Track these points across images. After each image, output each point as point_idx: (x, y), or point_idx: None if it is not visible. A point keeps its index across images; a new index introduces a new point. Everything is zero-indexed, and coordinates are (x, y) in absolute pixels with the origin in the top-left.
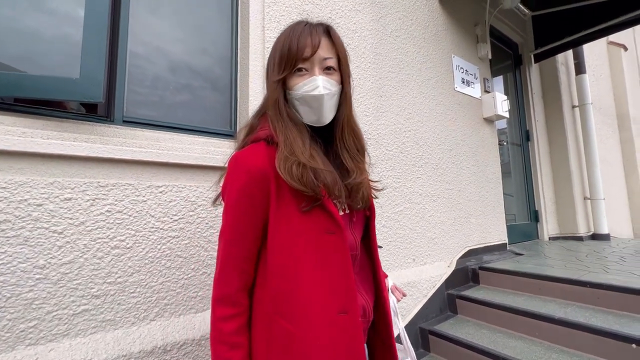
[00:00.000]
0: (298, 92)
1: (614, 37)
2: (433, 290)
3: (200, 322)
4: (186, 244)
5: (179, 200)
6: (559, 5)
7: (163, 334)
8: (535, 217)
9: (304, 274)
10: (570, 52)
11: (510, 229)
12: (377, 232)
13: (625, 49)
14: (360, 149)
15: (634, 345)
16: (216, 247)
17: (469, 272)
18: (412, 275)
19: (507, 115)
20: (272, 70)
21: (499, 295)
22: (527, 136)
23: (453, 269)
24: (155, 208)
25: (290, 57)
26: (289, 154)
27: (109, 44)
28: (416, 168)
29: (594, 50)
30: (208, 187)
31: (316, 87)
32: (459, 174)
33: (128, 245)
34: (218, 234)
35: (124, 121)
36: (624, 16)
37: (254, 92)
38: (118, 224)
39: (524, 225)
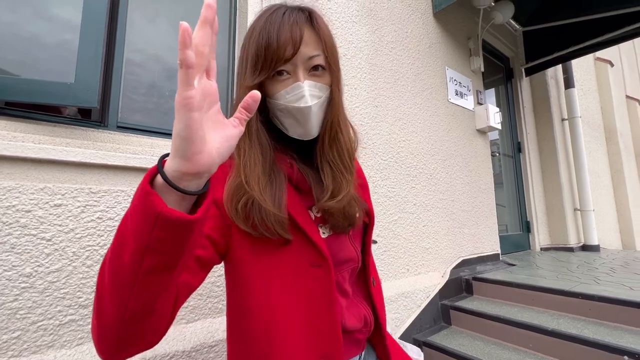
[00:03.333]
0: (279, 101)
1: (601, 53)
2: (427, 301)
3: (191, 333)
4: None
5: None
6: (548, 22)
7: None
8: (527, 227)
9: (284, 315)
10: (559, 67)
11: (503, 240)
12: (377, 244)
13: (612, 64)
14: (346, 162)
15: (625, 357)
16: None
17: (462, 282)
18: (406, 285)
19: (499, 127)
20: (244, 72)
21: (492, 306)
22: (518, 148)
23: (447, 279)
24: None
25: (267, 57)
26: (243, 182)
27: (105, 50)
28: (410, 178)
29: (582, 66)
30: None
31: (301, 97)
32: (453, 184)
33: None
34: None
35: (118, 126)
36: (610, 34)
37: None
38: (109, 231)
39: (516, 235)
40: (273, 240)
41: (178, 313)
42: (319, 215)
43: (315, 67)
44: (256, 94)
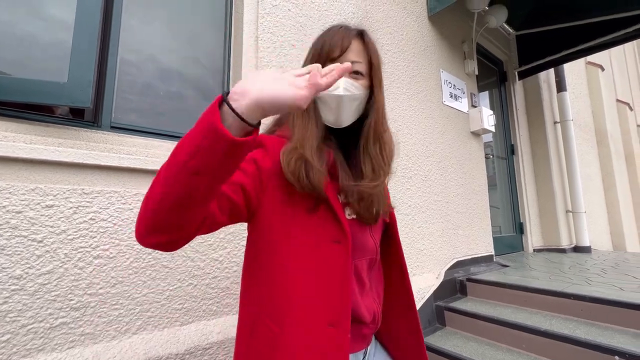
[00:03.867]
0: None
1: (592, 57)
2: (422, 302)
3: (184, 336)
4: (172, 254)
5: None
6: (541, 26)
7: (145, 348)
8: (520, 229)
9: (301, 280)
10: (552, 71)
11: (497, 241)
12: None
13: (602, 69)
14: (385, 156)
15: (616, 357)
16: (203, 258)
17: (456, 283)
18: None
19: (493, 129)
20: (306, 62)
21: (486, 307)
22: (512, 150)
23: (441, 280)
24: None
25: (320, 55)
26: (298, 146)
27: (99, 50)
28: (405, 179)
29: (574, 70)
30: None
31: (337, 87)
32: (447, 186)
33: (111, 255)
34: (205, 244)
35: (111, 127)
36: (601, 39)
37: None
38: (102, 232)
39: (510, 237)
40: (302, 209)
41: (172, 315)
42: (344, 200)
43: (356, 72)
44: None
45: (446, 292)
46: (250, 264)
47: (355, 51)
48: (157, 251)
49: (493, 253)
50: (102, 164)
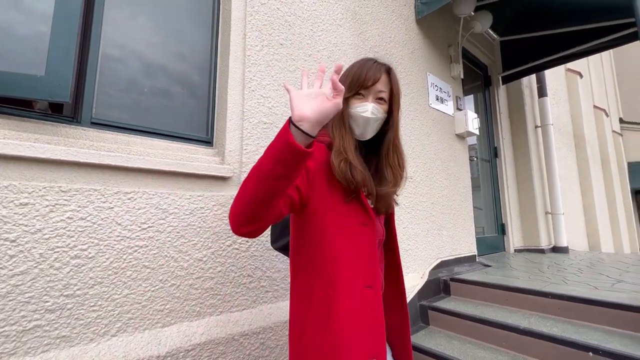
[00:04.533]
0: (352, 110)
1: (571, 65)
2: (406, 302)
3: (166, 338)
4: (155, 254)
5: (148, 208)
6: (523, 33)
7: (125, 350)
8: (502, 230)
9: (343, 254)
10: (534, 76)
11: (479, 241)
12: None
13: (581, 76)
14: (401, 166)
15: (590, 354)
16: (187, 258)
17: (440, 283)
18: None
19: (477, 132)
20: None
21: (469, 306)
22: (495, 153)
23: (426, 280)
24: (122, 215)
25: (357, 83)
26: (342, 151)
27: (79, 43)
28: None
29: (554, 76)
30: (181, 195)
31: (366, 110)
32: (432, 187)
33: (90, 255)
34: (189, 243)
35: (92, 123)
36: (579, 47)
37: (233, 99)
38: (80, 232)
39: (492, 237)
40: (340, 200)
41: (153, 316)
42: (367, 194)
43: (380, 98)
44: (340, 65)
45: (430, 292)
46: (301, 248)
47: (382, 82)
48: (138, 251)
49: (476, 253)
50: (82, 160)
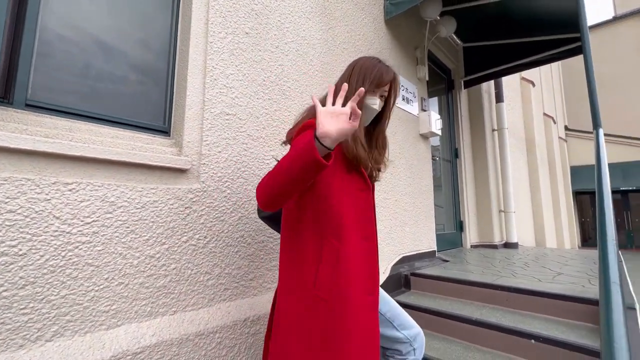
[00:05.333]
0: (366, 101)
1: (525, 74)
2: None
3: (111, 340)
4: (100, 250)
5: (93, 200)
6: (484, 41)
7: (61, 356)
8: (460, 227)
9: (346, 213)
10: (492, 82)
11: (439, 238)
12: None
13: (534, 84)
14: (386, 148)
15: (532, 341)
16: (137, 255)
17: (401, 278)
18: None
19: (439, 133)
20: (357, 81)
21: (427, 300)
22: (455, 153)
23: (388, 275)
24: (61, 208)
25: (375, 83)
26: (358, 135)
27: (11, 16)
28: None
29: (510, 83)
30: (132, 187)
31: (375, 103)
32: (396, 185)
33: (21, 252)
34: (140, 239)
35: (27, 105)
36: (533, 57)
37: (193, 87)
38: (8, 226)
39: (451, 234)
40: (343, 170)
41: (96, 318)
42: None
43: (382, 95)
44: (362, 91)
45: (392, 287)
46: (309, 205)
47: (388, 85)
48: (81, 247)
49: (436, 249)
50: (12, 146)
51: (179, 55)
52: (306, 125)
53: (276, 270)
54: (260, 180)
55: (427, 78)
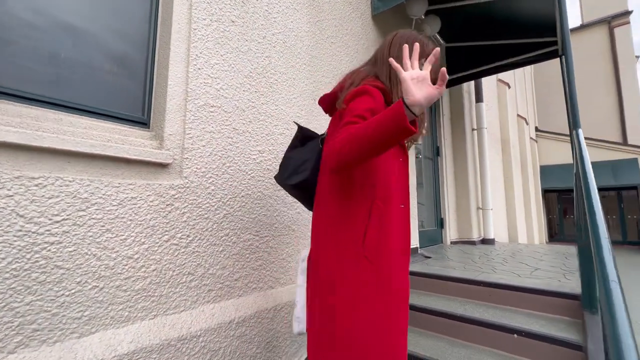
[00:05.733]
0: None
1: (502, 76)
2: None
3: (84, 349)
4: (71, 251)
5: (63, 197)
6: (466, 41)
7: None
8: (440, 223)
9: (393, 178)
10: (472, 83)
11: (421, 234)
12: (309, 238)
13: (509, 87)
14: (425, 121)
15: (515, 335)
16: (113, 256)
17: None
18: None
19: (423, 131)
20: (399, 51)
21: (412, 297)
22: (437, 152)
23: None
24: (26, 206)
25: (424, 52)
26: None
27: None
28: None
29: (488, 85)
30: (108, 183)
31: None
32: None
33: None
34: (117, 239)
35: None
36: (511, 59)
37: (175, 77)
38: None
39: (432, 231)
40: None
41: (67, 326)
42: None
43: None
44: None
45: None
46: (360, 172)
47: None
48: (49, 249)
49: (418, 246)
50: None
51: (159, 42)
52: (362, 90)
53: (262, 269)
54: (335, 143)
55: None
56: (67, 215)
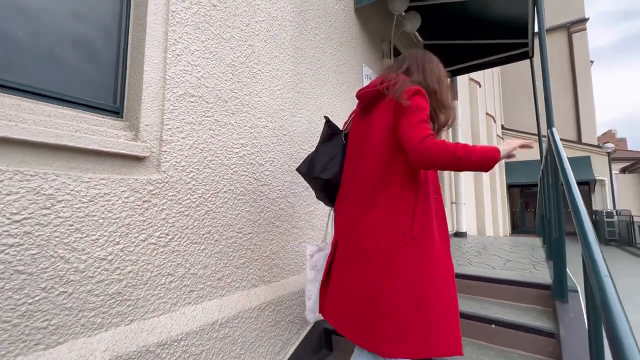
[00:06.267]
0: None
1: (473, 75)
2: None
3: None
4: (34, 254)
5: (24, 193)
6: (442, 40)
7: None
8: None
9: (432, 178)
10: (448, 80)
11: None
12: (293, 235)
13: (480, 85)
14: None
15: (493, 325)
16: (84, 258)
17: None
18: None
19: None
20: (445, 89)
21: None
22: None
23: None
24: None
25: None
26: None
27: None
28: None
29: (461, 83)
30: (76, 177)
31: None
32: None
33: None
34: (88, 239)
35: None
36: (484, 59)
37: (151, 62)
38: None
39: None
40: None
41: (31, 337)
42: None
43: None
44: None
45: None
46: (412, 172)
47: None
48: (8, 252)
49: None
50: None
51: (133, 23)
52: (419, 90)
53: (245, 267)
54: (441, 145)
55: None
56: (29, 214)
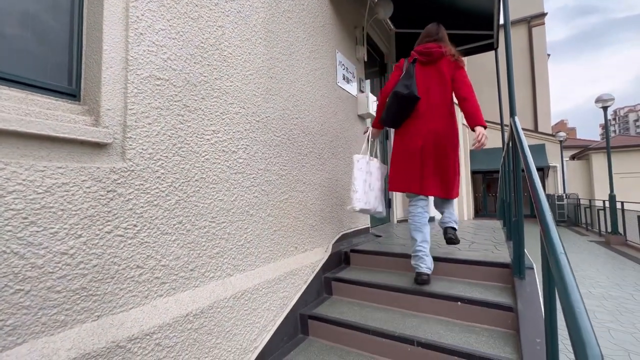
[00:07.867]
0: None
1: None
2: (312, 276)
3: None
4: None
5: None
6: (413, 28)
7: None
8: (388, 204)
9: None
10: None
11: (371, 215)
12: (268, 223)
13: None
14: None
15: (459, 303)
16: (42, 253)
17: (342, 255)
18: (294, 263)
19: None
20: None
21: (366, 274)
22: (386, 135)
23: (329, 253)
24: None
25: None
26: None
27: None
28: (302, 156)
29: None
30: (29, 166)
31: None
32: (337, 165)
33: None
34: (46, 232)
35: None
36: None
37: (111, 41)
38: None
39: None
40: None
41: None
42: None
43: None
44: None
45: (333, 264)
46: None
47: None
48: None
49: (369, 225)
50: None
51: (87, 9)
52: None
53: (219, 257)
54: (474, 98)
55: (365, 59)
56: None
